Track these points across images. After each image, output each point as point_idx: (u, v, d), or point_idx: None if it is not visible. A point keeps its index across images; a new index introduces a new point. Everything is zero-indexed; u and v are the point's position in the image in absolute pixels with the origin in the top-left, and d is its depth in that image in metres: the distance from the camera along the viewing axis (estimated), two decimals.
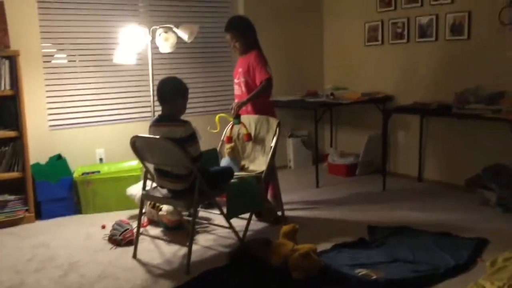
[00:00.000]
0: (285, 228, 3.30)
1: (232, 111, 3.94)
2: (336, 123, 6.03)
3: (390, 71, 5.30)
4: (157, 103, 3.43)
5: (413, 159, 5.16)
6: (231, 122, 4.02)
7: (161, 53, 4.59)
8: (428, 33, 4.87)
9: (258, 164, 3.90)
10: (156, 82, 3.43)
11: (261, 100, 3.99)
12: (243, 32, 3.99)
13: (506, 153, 3.95)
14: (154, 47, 4.47)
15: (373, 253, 3.32)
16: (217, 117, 4.03)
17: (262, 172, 3.72)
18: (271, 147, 3.77)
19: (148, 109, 4.77)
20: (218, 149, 4.05)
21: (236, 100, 4.06)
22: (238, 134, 4.06)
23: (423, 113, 4.76)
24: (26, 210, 4.20)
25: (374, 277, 2.93)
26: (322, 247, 3.41)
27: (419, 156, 5.10)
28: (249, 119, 4.00)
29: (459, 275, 2.97)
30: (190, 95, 3.43)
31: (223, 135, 4.12)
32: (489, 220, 3.89)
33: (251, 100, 3.95)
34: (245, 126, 3.95)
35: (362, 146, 5.46)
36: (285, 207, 4.19)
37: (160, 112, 3.37)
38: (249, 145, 4.01)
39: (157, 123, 3.30)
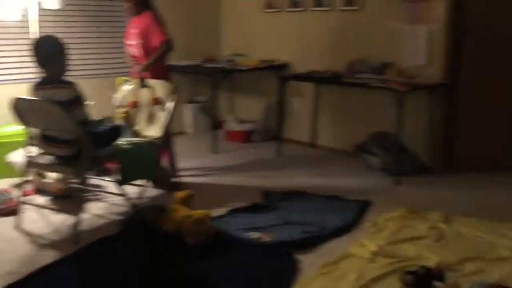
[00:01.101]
0: (180, 194, 3.28)
1: (137, 74, 3.77)
2: (234, 89, 6.03)
3: (287, 39, 5.38)
4: None
5: (307, 126, 5.33)
6: (135, 86, 3.83)
7: (48, 9, 4.25)
8: (324, 2, 4.98)
9: (153, 129, 3.78)
10: None
11: (157, 64, 3.86)
12: None
13: (390, 121, 4.20)
14: (40, 2, 4.13)
15: (266, 217, 3.41)
16: (117, 80, 3.83)
17: (157, 138, 3.63)
18: (168, 112, 3.68)
19: (30, 70, 4.43)
20: (111, 114, 3.88)
21: (134, 62, 3.90)
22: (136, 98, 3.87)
23: (317, 81, 4.91)
24: None
25: (266, 239, 3.01)
26: (217, 212, 3.43)
27: (312, 123, 5.27)
28: (149, 89, 3.85)
29: (345, 235, 3.15)
30: (81, 57, 3.23)
31: (119, 101, 3.92)
32: (373, 184, 4.14)
33: (155, 62, 3.80)
34: (152, 89, 3.78)
35: (259, 112, 5.54)
36: (181, 173, 4.16)
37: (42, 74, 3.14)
38: (144, 111, 3.87)
39: (40, 85, 3.08)
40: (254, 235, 3.07)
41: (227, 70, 5.09)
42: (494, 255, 2.81)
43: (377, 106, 4.65)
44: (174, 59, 5.01)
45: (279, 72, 5.27)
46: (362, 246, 2.91)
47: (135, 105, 3.84)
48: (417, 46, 4.34)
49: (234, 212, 3.50)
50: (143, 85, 3.77)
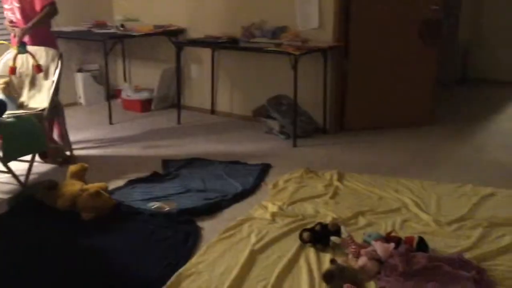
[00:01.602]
0: (73, 168, 3.12)
1: (16, 39, 3.45)
2: (128, 56, 5.79)
3: (182, 3, 5.21)
4: None
5: (206, 93, 5.27)
6: (14, 52, 3.51)
7: None
8: None
9: (39, 101, 3.54)
10: None
11: (40, 30, 3.58)
12: None
13: (287, 85, 4.27)
14: None
15: (166, 186, 3.35)
16: None
17: (43, 110, 3.39)
18: (53, 81, 3.44)
19: None
20: None
21: (13, 28, 3.57)
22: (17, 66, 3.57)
23: (213, 46, 4.84)
24: None
25: (167, 208, 2.97)
26: (115, 184, 3.32)
27: (211, 89, 5.23)
28: (27, 57, 3.56)
29: (246, 199, 3.18)
30: None
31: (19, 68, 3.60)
32: (273, 147, 4.22)
33: (36, 26, 3.50)
34: (33, 56, 3.49)
35: (157, 80, 5.38)
36: (76, 146, 3.97)
37: None
38: (27, 80, 3.60)
39: None
40: (155, 205, 3.01)
41: (118, 36, 4.85)
42: (384, 208, 2.99)
43: (273, 70, 4.70)
44: (61, 24, 4.69)
45: (175, 37, 5.12)
46: (263, 208, 2.96)
47: (13, 71, 3.54)
48: (309, 10, 4.41)
49: (132, 183, 3.40)
50: (22, 50, 3.48)
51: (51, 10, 3.54)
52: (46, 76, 3.51)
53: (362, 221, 2.82)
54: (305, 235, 2.52)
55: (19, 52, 3.51)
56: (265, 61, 4.69)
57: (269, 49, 4.17)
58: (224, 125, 4.90)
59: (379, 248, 2.33)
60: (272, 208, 2.94)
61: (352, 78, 4.51)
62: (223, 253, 2.49)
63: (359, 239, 2.54)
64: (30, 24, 3.49)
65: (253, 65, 4.86)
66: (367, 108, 4.58)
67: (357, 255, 2.36)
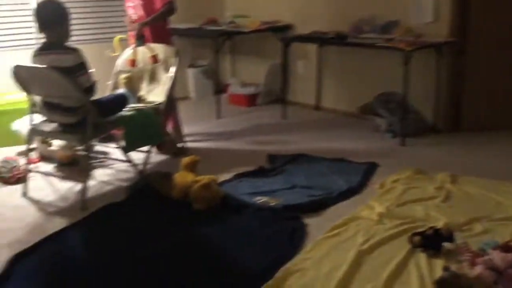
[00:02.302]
0: (186, 160, 3.26)
1: (135, 32, 3.69)
2: (237, 52, 5.94)
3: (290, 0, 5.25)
4: None
5: (311, 88, 5.26)
6: (133, 45, 3.76)
7: None
8: None
9: (157, 95, 3.74)
10: None
11: (159, 27, 3.78)
12: None
13: (396, 81, 4.13)
14: None
15: (272, 181, 3.40)
16: (116, 39, 3.74)
17: (160, 103, 3.59)
18: (170, 77, 3.62)
19: (32, 35, 4.35)
20: (112, 79, 3.82)
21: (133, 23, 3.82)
22: (138, 60, 3.80)
23: (321, 42, 4.81)
24: None
25: (272, 203, 3.01)
26: (223, 177, 3.42)
27: (317, 85, 5.21)
28: (147, 47, 3.78)
29: (351, 197, 3.14)
30: (80, 21, 3.16)
31: (119, 64, 3.86)
32: (379, 145, 4.12)
33: (155, 21, 3.71)
34: (150, 48, 3.70)
35: (263, 75, 5.46)
36: (186, 138, 4.14)
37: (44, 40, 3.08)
38: (147, 75, 3.82)
39: (42, 51, 3.02)
40: (261, 199, 3.07)
41: (229, 33, 4.99)
42: (502, 214, 2.80)
43: (382, 66, 4.58)
44: (175, 22, 4.92)
45: (282, 33, 5.16)
46: (370, 208, 2.90)
47: (133, 63, 3.76)
48: (424, 2, 4.23)
49: (239, 176, 3.49)
50: (141, 43, 3.68)
51: (170, 8, 3.72)
52: (163, 72, 3.71)
53: (477, 227, 2.66)
54: (416, 239, 2.44)
55: (138, 45, 3.72)
56: (373, 57, 4.58)
57: (379, 44, 4.06)
58: (329, 122, 4.86)
59: (497, 257, 2.19)
60: (380, 208, 2.87)
61: (469, 76, 4.24)
62: (329, 251, 2.48)
63: (474, 246, 2.41)
64: (149, 18, 3.69)
65: (361, 61, 4.76)
66: (484, 108, 4.29)
67: (473, 264, 2.24)
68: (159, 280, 2.29)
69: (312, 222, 2.81)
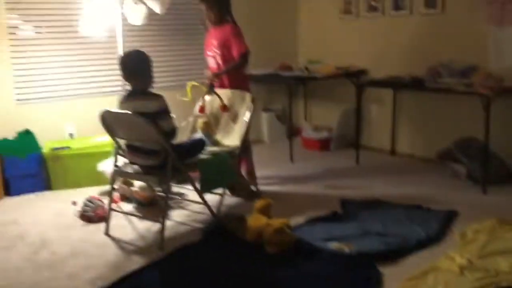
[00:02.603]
0: (259, 203, 3.30)
1: (207, 81, 3.86)
2: (310, 96, 6.01)
3: (364, 44, 5.29)
4: None
5: (386, 133, 5.19)
6: (205, 92, 3.93)
7: (131, 25, 4.45)
8: (402, 6, 4.86)
9: (232, 138, 3.85)
10: None
11: (236, 74, 3.93)
12: (216, 2, 3.89)
13: (476, 126, 4.00)
14: (125, 18, 4.34)
15: (345, 227, 3.35)
16: (188, 85, 3.93)
17: (235, 147, 3.68)
18: (245, 121, 3.73)
19: (119, 82, 4.65)
20: (191, 123, 3.99)
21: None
22: (212, 106, 3.97)
23: (396, 87, 4.78)
24: None
25: (346, 249, 2.96)
26: (295, 221, 3.42)
27: (392, 130, 5.14)
28: (223, 93, 3.93)
29: (430, 247, 3.02)
30: (162, 69, 3.35)
31: (196, 109, 4.04)
32: (459, 193, 3.96)
33: (227, 72, 3.88)
34: (219, 97, 3.86)
35: (336, 119, 5.47)
36: (259, 181, 4.19)
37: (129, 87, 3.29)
38: (223, 120, 3.95)
39: (128, 98, 3.22)
40: (334, 245, 3.03)
41: (303, 78, 5.08)
42: None
43: (461, 110, 4.46)
44: (251, 67, 5.08)
45: (356, 78, 5.18)
46: (450, 259, 2.77)
47: (202, 110, 3.93)
48: (505, 46, 4.11)
49: (312, 221, 3.47)
50: (211, 91, 3.84)
51: (245, 59, 3.86)
52: (239, 116, 3.82)
53: None
54: None
55: (207, 93, 3.88)
56: (452, 101, 4.47)
57: (459, 90, 3.97)
58: (405, 167, 4.76)
59: None
60: (460, 260, 2.73)
61: None
62: None
63: None
64: (222, 70, 3.87)
65: (438, 106, 4.66)
66: None
67: None
68: None
69: (387, 272, 2.73)
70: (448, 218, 3.42)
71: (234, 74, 3.90)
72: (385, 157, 5.12)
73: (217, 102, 3.89)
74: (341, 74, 5.14)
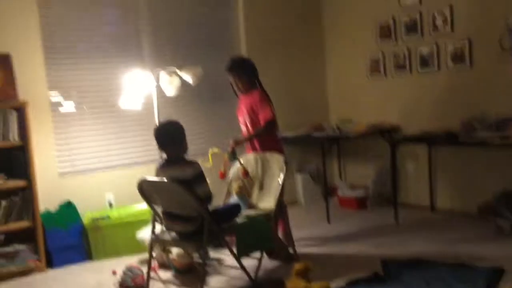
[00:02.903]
0: (298, 266, 3.25)
1: (229, 148, 3.92)
2: (343, 155, 6.01)
3: (395, 102, 5.32)
4: None
5: (424, 189, 5.11)
6: (225, 159, 3.98)
7: (165, 96, 4.63)
8: (430, 63, 4.91)
9: (267, 201, 3.86)
10: None
11: (267, 138, 4.00)
12: (244, 71, 4.03)
13: None
14: (160, 91, 4.53)
15: None
16: (210, 152, 4.00)
17: (271, 210, 3.69)
18: (279, 184, 3.75)
19: (155, 152, 4.78)
20: (227, 187, 4.04)
21: None
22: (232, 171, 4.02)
23: (430, 142, 4.74)
24: (37, 259, 4.18)
25: None
26: (336, 284, 3.34)
27: (429, 185, 5.05)
28: (256, 157, 4.00)
29: None
30: (196, 136, 3.44)
31: (230, 174, 4.09)
32: (504, 248, 3.81)
33: (250, 140, 3.98)
34: (240, 162, 3.93)
35: (371, 177, 5.43)
36: (296, 243, 4.14)
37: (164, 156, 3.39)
38: (257, 183, 3.99)
39: (164, 166, 3.31)
40: None
41: (335, 138, 5.11)
42: None
43: (499, 163, 4.37)
44: (283, 129, 5.15)
45: (389, 135, 5.18)
46: None
47: (222, 176, 3.96)
48: None
49: (353, 283, 3.38)
50: (232, 158, 3.90)
51: (270, 126, 3.93)
52: (273, 179, 3.85)
53: None
54: None
55: (229, 159, 3.93)
56: (489, 155, 4.40)
57: (495, 143, 3.91)
58: (446, 223, 4.63)
59: None
60: None
61: None
62: None
63: None
64: (246, 137, 3.98)
65: (476, 159, 4.59)
66: None
67: None
68: None
69: None
70: (495, 275, 3.27)
71: (265, 138, 3.97)
72: (424, 213, 5.01)
73: (250, 166, 3.94)
74: (373, 132, 5.15)
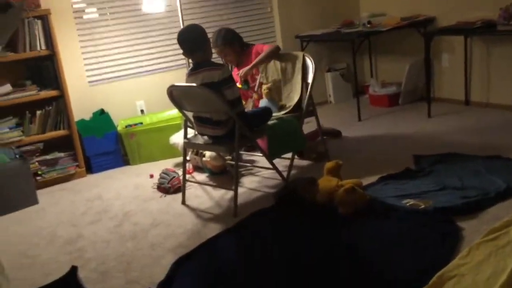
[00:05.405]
0: (329, 164, 3.28)
1: (240, 79, 3.92)
2: (375, 52, 5.82)
3: None
4: None
5: (459, 82, 4.95)
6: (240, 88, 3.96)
7: None
8: None
9: (295, 99, 3.81)
10: None
11: None
12: (235, 40, 4.02)
13: None
14: None
15: (419, 183, 3.27)
16: None
17: (301, 110, 3.66)
18: (308, 84, 3.69)
19: (182, 56, 4.72)
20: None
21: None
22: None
23: (467, 33, 4.51)
24: (77, 165, 4.34)
25: (422, 206, 2.89)
26: (367, 180, 3.38)
27: (464, 79, 4.89)
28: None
29: (511, 198, 2.89)
30: None
31: (256, 86, 4.08)
32: None
33: (257, 65, 3.93)
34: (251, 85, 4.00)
35: (404, 73, 5.28)
36: (327, 143, 4.15)
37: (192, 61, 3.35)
38: (282, 84, 3.93)
39: (194, 71, 3.27)
40: (409, 202, 2.97)
41: (366, 33, 4.92)
42: None
43: None
44: (312, 28, 4.98)
45: (423, 28, 4.94)
46: None
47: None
48: None
49: (385, 179, 3.41)
50: (245, 87, 3.96)
51: (275, 49, 3.93)
52: (296, 75, 3.81)
53: None
54: None
55: (243, 89, 3.96)
56: None
57: None
58: (481, 116, 4.53)
59: None
60: None
61: None
62: (488, 257, 2.30)
63: None
64: (251, 65, 3.89)
65: None
66: None
67: None
68: (307, 285, 2.34)
69: (467, 226, 2.65)
70: None
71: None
72: (458, 107, 4.90)
73: (274, 71, 3.89)
74: (406, 25, 4.91)
